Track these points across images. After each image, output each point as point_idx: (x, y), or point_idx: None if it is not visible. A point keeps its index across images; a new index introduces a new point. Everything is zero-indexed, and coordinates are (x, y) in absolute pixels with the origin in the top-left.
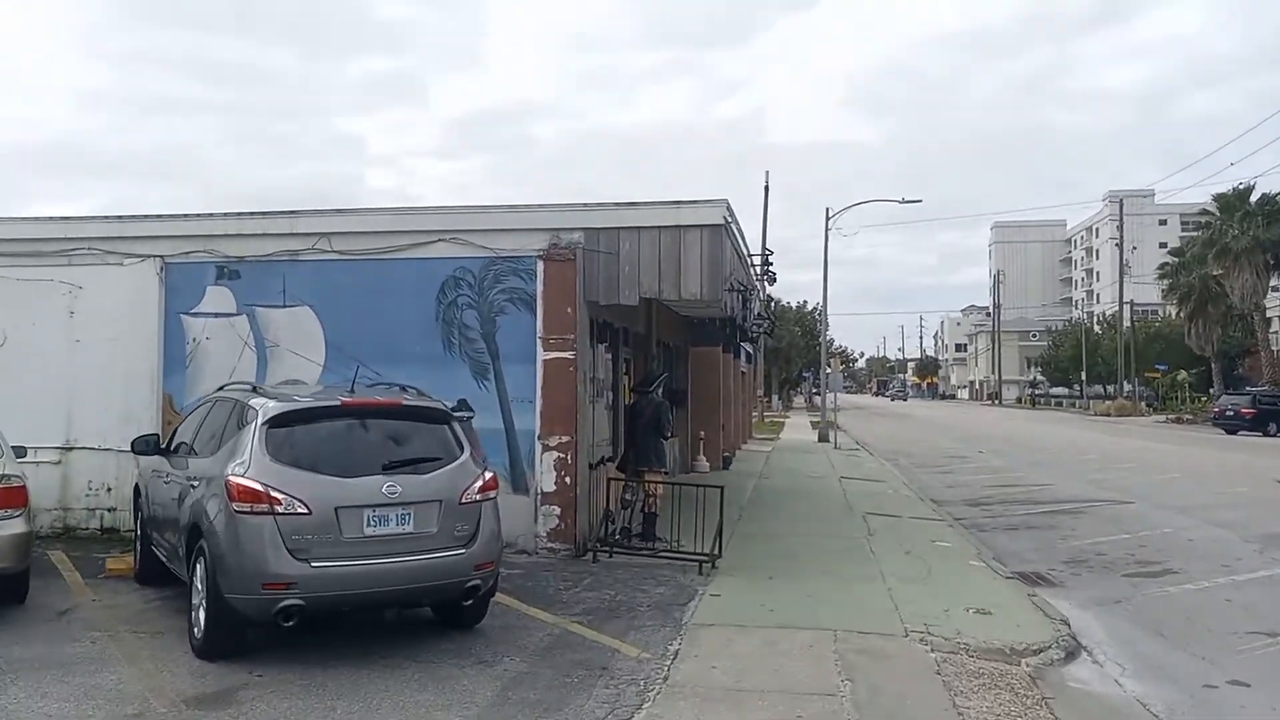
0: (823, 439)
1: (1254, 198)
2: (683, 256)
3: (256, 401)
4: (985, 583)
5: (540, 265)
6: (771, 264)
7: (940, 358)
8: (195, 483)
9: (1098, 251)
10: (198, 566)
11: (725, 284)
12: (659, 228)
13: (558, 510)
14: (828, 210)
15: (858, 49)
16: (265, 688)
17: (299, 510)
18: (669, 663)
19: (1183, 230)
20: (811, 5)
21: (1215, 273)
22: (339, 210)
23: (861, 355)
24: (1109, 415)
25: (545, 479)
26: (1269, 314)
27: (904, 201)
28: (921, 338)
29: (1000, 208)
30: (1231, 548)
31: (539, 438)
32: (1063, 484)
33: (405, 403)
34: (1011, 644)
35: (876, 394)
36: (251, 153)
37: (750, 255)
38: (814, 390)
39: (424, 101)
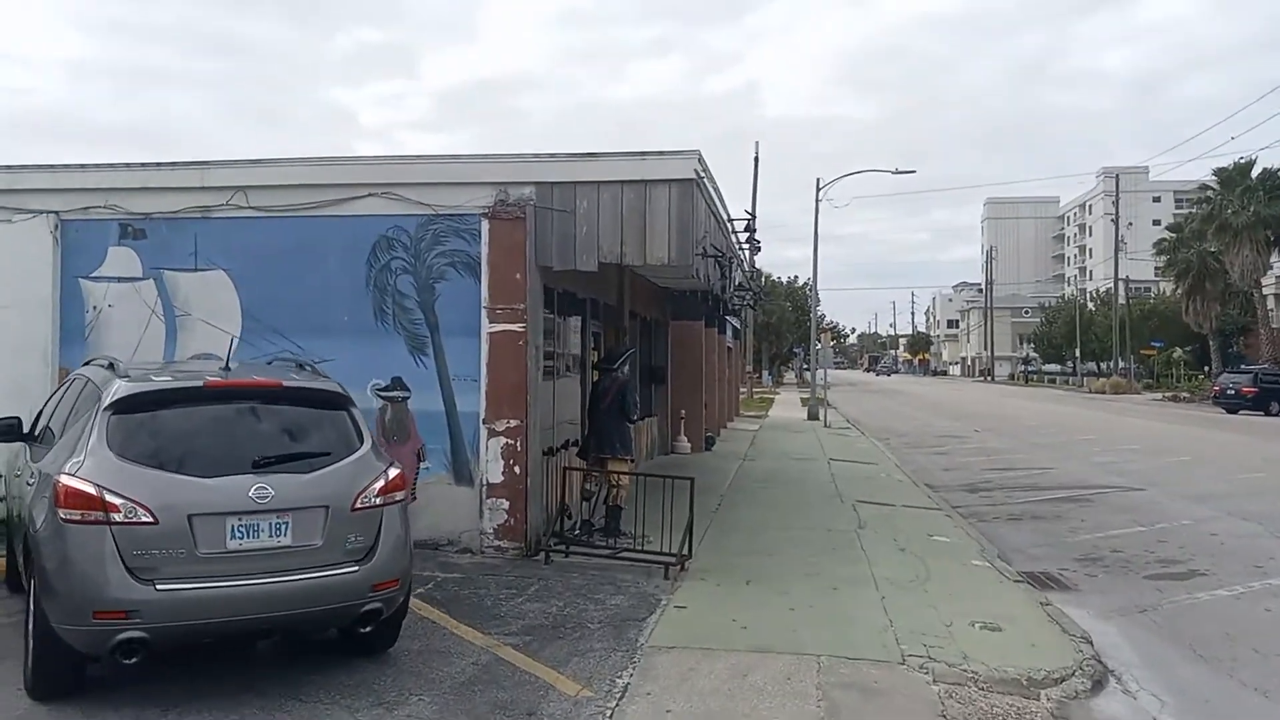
0: (812, 417)
1: (1255, 172)
2: (648, 215)
3: (105, 380)
4: (991, 588)
5: (485, 224)
6: (755, 230)
7: (932, 334)
8: (31, 481)
9: (1091, 228)
10: (32, 586)
11: (697, 248)
12: (621, 183)
13: (506, 504)
14: (818, 180)
15: (851, 27)
16: None
17: (142, 519)
18: (614, 704)
19: (1176, 208)
20: None
21: (1214, 249)
22: (255, 160)
23: (853, 331)
24: (1104, 393)
25: (491, 468)
26: (1267, 291)
27: (897, 172)
28: (913, 314)
29: (993, 184)
30: (1262, 545)
31: (484, 421)
32: (1066, 467)
33: (287, 384)
34: (1028, 671)
35: (868, 370)
36: (242, 125)
37: (731, 220)
38: (805, 366)
39: (415, 73)
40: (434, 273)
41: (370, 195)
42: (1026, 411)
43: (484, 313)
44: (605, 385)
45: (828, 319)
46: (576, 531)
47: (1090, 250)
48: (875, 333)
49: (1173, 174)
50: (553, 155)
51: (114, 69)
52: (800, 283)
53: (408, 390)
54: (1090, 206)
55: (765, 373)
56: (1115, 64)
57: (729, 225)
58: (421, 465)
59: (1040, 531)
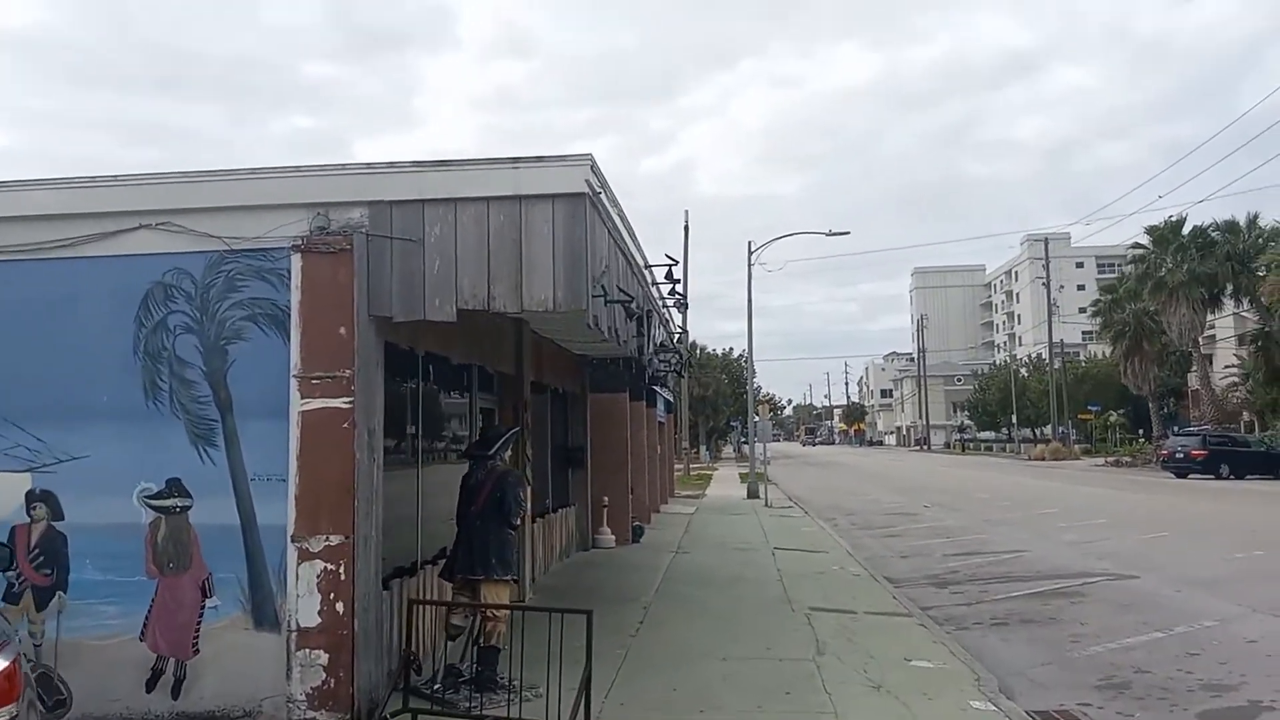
0: (753, 495)
1: (1186, 229)
2: (525, 242)
3: None
4: None
5: (297, 261)
6: (679, 280)
7: (866, 404)
8: None
9: (1018, 295)
10: None
11: (595, 287)
12: (487, 200)
13: (324, 656)
14: (750, 244)
15: (776, 105)
16: None
17: None
18: None
19: (1099, 273)
20: (732, 65)
21: (1151, 308)
22: None
23: (789, 403)
24: (1044, 459)
25: (304, 606)
26: (1208, 350)
27: (831, 234)
28: (847, 384)
29: (919, 255)
30: None
31: (294, 538)
32: (1037, 549)
33: None
34: None
35: (805, 443)
36: None
37: (649, 266)
38: (743, 440)
39: (350, 158)
40: (227, 330)
41: (141, 227)
42: (972, 482)
43: (294, 384)
44: (479, 479)
45: (764, 391)
46: (435, 686)
47: (1019, 316)
48: (810, 404)
49: (1092, 239)
50: (392, 165)
51: (47, 157)
52: (736, 355)
53: (189, 497)
54: (1016, 273)
55: (703, 448)
56: (1028, 133)
57: (646, 273)
58: (207, 603)
59: (1038, 643)
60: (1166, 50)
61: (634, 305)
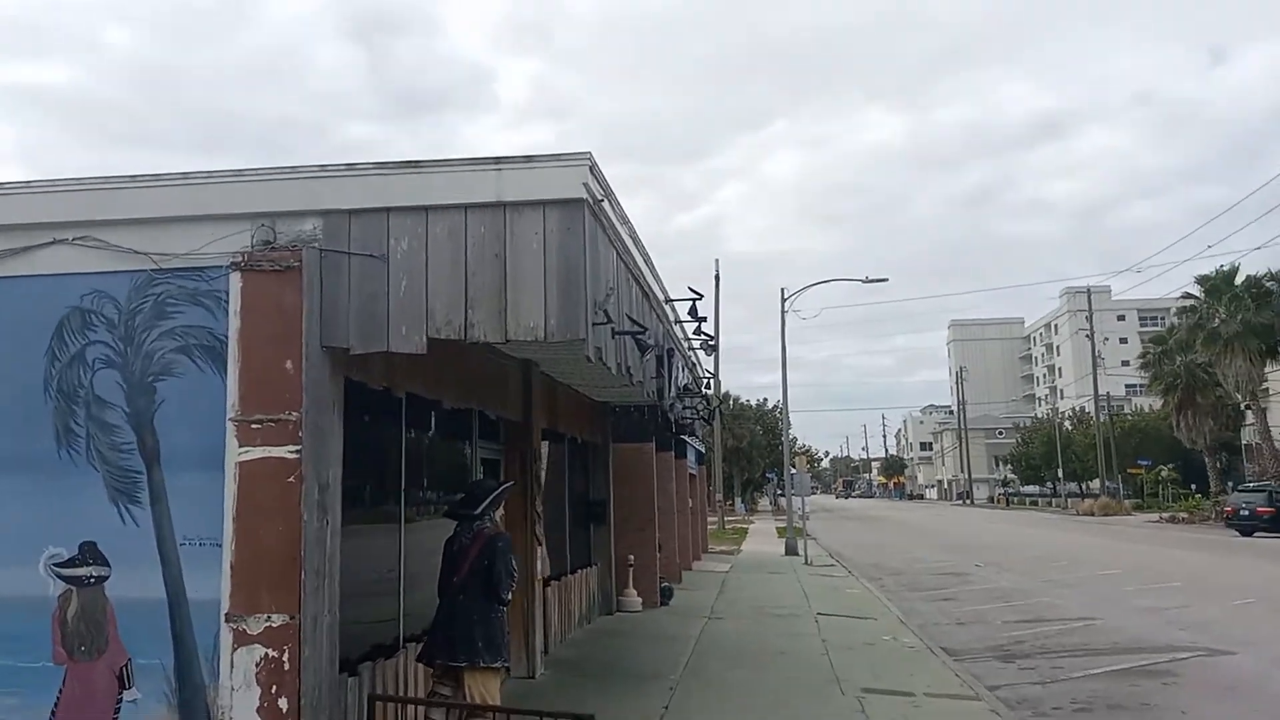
0: (791, 551)
1: (1239, 279)
2: (510, 258)
3: None
4: None
5: (236, 281)
6: (705, 318)
7: (905, 457)
8: None
9: (1058, 348)
10: None
11: (597, 312)
12: (465, 207)
13: None
14: (782, 290)
15: (805, 165)
16: None
17: None
18: None
19: (1141, 325)
20: (765, 125)
21: (1203, 360)
22: None
23: (826, 455)
24: (1093, 515)
25: (240, 702)
26: (1265, 403)
27: (868, 280)
28: (885, 437)
29: (953, 307)
30: None
31: (228, 617)
32: (1110, 616)
33: None
34: None
35: (839, 495)
36: None
37: (670, 300)
38: (779, 492)
39: None
40: (155, 365)
41: (56, 242)
42: (1022, 539)
43: (231, 428)
44: (464, 544)
45: (800, 443)
46: None
47: (1059, 369)
48: (848, 456)
49: (1131, 293)
50: (350, 166)
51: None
52: (770, 405)
53: (105, 565)
54: (1056, 326)
55: (738, 500)
56: (1058, 193)
57: (665, 305)
58: (125, 696)
59: None
60: (1196, 114)
61: (648, 338)
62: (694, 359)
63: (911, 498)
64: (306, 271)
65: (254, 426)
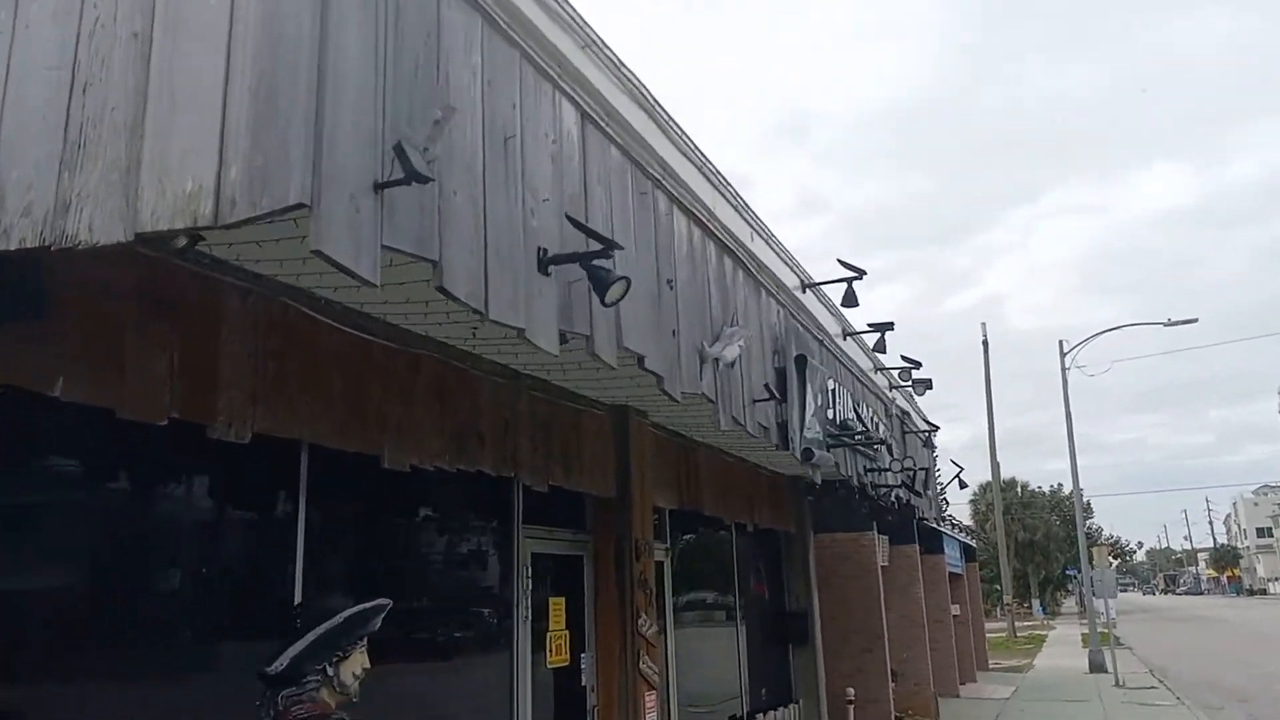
0: (1096, 667)
1: None
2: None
3: None
4: None
5: None
6: (889, 324)
7: (1239, 545)
8: None
9: None
10: None
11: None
12: None
13: None
14: (1061, 344)
15: (1084, 233)
16: None
17: None
18: None
19: None
20: (1035, 198)
21: None
22: None
23: (1140, 546)
24: None
25: None
26: None
27: (1171, 323)
28: (1211, 524)
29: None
30: None
31: None
32: None
33: None
34: None
35: (1147, 592)
36: None
37: (850, 333)
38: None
39: None
40: None
41: None
42: None
43: None
44: None
45: (1106, 534)
46: None
47: None
48: (1167, 547)
49: None
50: None
51: None
52: (1066, 491)
53: None
54: None
55: (1035, 602)
56: None
57: (794, 291)
58: None
59: None
60: None
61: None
62: (897, 407)
63: (1251, 593)
64: None
65: None
